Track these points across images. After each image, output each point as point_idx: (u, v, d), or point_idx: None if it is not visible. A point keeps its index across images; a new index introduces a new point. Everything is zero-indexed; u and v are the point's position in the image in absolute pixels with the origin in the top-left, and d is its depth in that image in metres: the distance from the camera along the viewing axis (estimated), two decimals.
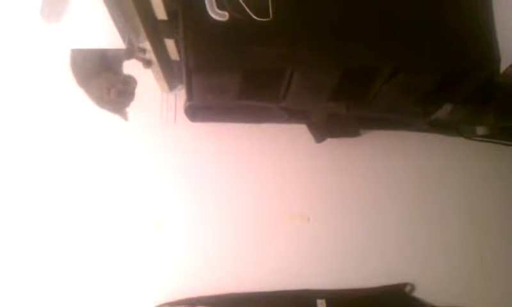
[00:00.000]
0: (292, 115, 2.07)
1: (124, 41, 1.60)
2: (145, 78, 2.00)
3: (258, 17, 1.46)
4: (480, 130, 2.11)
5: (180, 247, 2.09)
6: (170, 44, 1.78)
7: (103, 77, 1.97)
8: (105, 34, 1.56)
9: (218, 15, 1.45)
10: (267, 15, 1.46)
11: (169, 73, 1.99)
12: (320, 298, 2.06)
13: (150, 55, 1.76)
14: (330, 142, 2.13)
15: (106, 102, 2.04)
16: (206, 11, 1.46)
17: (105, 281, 2.05)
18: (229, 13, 1.46)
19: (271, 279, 2.07)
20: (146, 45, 1.69)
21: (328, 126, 2.09)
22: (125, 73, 2.04)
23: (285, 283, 2.08)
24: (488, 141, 2.18)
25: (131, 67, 2.02)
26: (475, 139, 2.18)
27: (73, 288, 2.04)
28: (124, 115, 2.08)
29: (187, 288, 2.03)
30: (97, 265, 2.06)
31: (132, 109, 2.09)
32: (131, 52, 1.68)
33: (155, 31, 1.68)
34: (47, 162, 2.10)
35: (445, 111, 1.90)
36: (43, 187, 2.08)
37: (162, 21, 1.63)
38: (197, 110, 2.03)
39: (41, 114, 2.11)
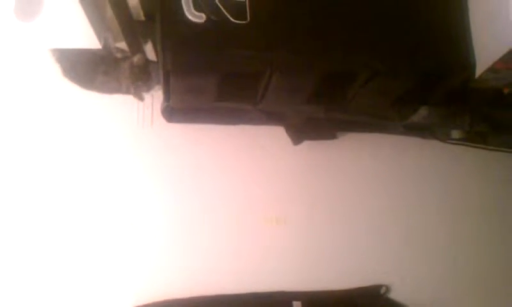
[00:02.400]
0: (270, 117, 2.07)
1: (100, 41, 1.58)
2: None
3: (235, 19, 1.45)
4: (456, 133, 2.13)
5: (154, 249, 2.07)
6: (147, 44, 1.77)
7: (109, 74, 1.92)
8: (81, 34, 1.53)
9: (195, 16, 1.44)
10: (244, 18, 1.46)
11: (146, 73, 1.97)
12: (297, 300, 2.06)
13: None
14: (307, 144, 2.13)
15: (124, 91, 1.99)
16: (183, 13, 1.44)
17: (80, 282, 2.02)
18: (206, 14, 1.45)
19: (246, 280, 2.07)
20: (123, 45, 1.68)
21: (305, 129, 2.09)
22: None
23: (261, 285, 2.07)
24: (463, 145, 2.21)
25: None
26: (450, 143, 2.20)
27: (47, 288, 2.01)
28: (140, 96, 2.02)
29: (160, 290, 2.01)
30: (73, 267, 2.03)
31: (107, 110, 2.08)
32: (107, 51, 1.67)
33: (132, 31, 1.67)
34: (20, 164, 2.06)
35: (420, 115, 1.92)
36: (20, 190, 2.05)
37: (139, 21, 1.62)
38: (174, 112, 2.02)
39: (15, 116, 2.07)
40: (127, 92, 1.96)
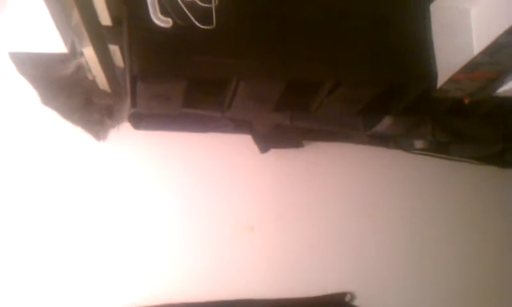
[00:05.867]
0: (238, 125, 2.08)
1: (66, 44, 1.57)
2: None
3: (201, 25, 1.46)
4: (419, 143, 2.18)
5: (118, 258, 2.06)
6: (115, 50, 1.77)
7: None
8: (46, 37, 1.53)
9: (161, 21, 1.44)
10: (210, 23, 1.47)
11: (114, 79, 1.97)
12: None
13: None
14: (274, 152, 2.16)
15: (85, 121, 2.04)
16: (150, 18, 1.45)
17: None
18: (173, 19, 1.45)
19: (213, 288, 2.07)
20: (89, 50, 1.67)
21: (272, 137, 2.11)
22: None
23: (228, 293, 2.07)
24: (425, 154, 2.26)
25: None
26: (413, 152, 2.25)
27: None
28: (97, 135, 2.07)
29: (125, 300, 2.00)
30: (56, 277, 2.00)
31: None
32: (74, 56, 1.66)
33: (99, 36, 1.66)
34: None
35: (384, 124, 1.96)
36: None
37: (107, 27, 1.61)
38: (141, 118, 2.01)
39: None
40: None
